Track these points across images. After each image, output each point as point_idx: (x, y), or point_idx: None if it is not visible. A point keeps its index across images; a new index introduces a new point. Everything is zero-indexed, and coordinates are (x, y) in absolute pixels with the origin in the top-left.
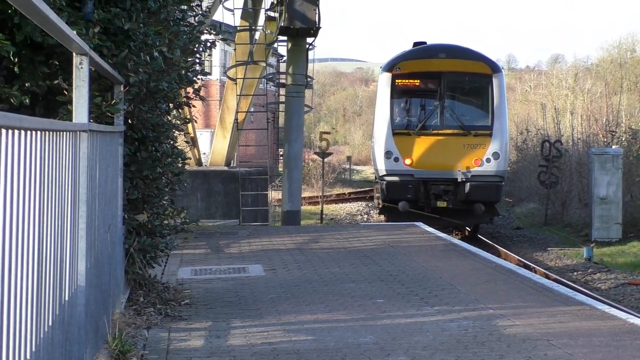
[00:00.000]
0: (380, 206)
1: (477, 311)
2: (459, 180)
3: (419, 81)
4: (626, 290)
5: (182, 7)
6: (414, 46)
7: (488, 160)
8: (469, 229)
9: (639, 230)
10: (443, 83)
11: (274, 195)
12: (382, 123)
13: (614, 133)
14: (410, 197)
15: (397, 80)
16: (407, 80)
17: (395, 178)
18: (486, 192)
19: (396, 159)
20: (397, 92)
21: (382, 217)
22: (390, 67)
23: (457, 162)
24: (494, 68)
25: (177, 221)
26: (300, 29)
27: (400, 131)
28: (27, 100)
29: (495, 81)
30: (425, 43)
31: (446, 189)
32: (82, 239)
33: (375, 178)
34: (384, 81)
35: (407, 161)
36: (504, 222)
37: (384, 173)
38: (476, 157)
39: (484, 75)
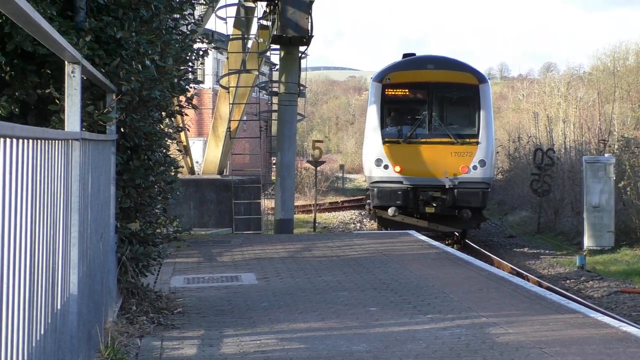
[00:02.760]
0: (372, 212)
1: (470, 319)
2: (447, 186)
3: (408, 91)
4: (619, 298)
5: (175, 15)
6: (403, 57)
7: (475, 167)
8: (457, 234)
9: (631, 238)
10: (431, 93)
11: (266, 203)
12: (372, 132)
13: (606, 141)
14: (399, 203)
15: (387, 91)
16: (396, 91)
17: (385, 185)
18: (473, 198)
19: (386, 167)
20: (387, 102)
21: (374, 224)
22: (380, 77)
23: (444, 169)
24: (480, 79)
25: (169, 230)
26: (293, 37)
27: (390, 139)
28: (16, 110)
29: (481, 91)
30: (414, 54)
31: (434, 195)
32: (75, 248)
33: (367, 185)
34: (375, 91)
35: (397, 168)
36: (496, 230)
37: (375, 180)
38: (463, 165)
39: (471, 86)
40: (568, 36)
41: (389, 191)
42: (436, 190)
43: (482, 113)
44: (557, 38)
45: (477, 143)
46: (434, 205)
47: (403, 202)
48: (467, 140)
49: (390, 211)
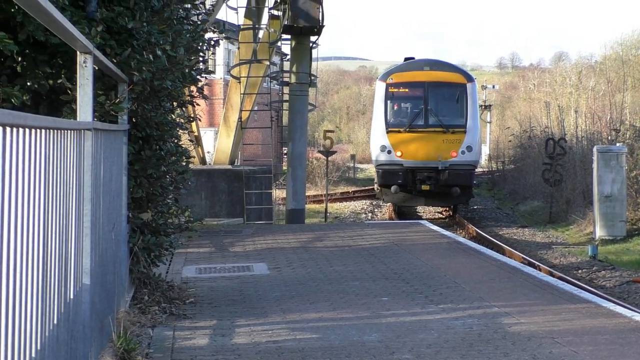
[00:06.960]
0: (378, 190)
1: (481, 309)
2: (440, 168)
3: (407, 89)
4: (631, 288)
5: (186, 5)
6: (404, 61)
7: (463, 152)
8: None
9: None
10: (427, 90)
11: (278, 193)
12: (378, 123)
13: (618, 130)
14: (400, 182)
15: (390, 89)
16: (398, 89)
17: (389, 167)
18: (461, 178)
19: (389, 152)
20: (390, 98)
21: (386, 214)
22: (384, 77)
23: (438, 154)
24: (468, 78)
25: (181, 220)
26: (304, 27)
27: (393, 129)
28: (28, 100)
29: (468, 89)
30: (413, 58)
31: (429, 175)
32: (87, 237)
33: (374, 167)
34: (380, 89)
35: (398, 153)
36: (508, 220)
37: (380, 163)
38: (453, 150)
39: (460, 84)
40: (582, 26)
41: (392, 172)
42: (431, 171)
43: (469, 107)
44: (570, 27)
45: (465, 132)
46: (429, 184)
47: (403, 181)
48: (457, 129)
49: (393, 189)
